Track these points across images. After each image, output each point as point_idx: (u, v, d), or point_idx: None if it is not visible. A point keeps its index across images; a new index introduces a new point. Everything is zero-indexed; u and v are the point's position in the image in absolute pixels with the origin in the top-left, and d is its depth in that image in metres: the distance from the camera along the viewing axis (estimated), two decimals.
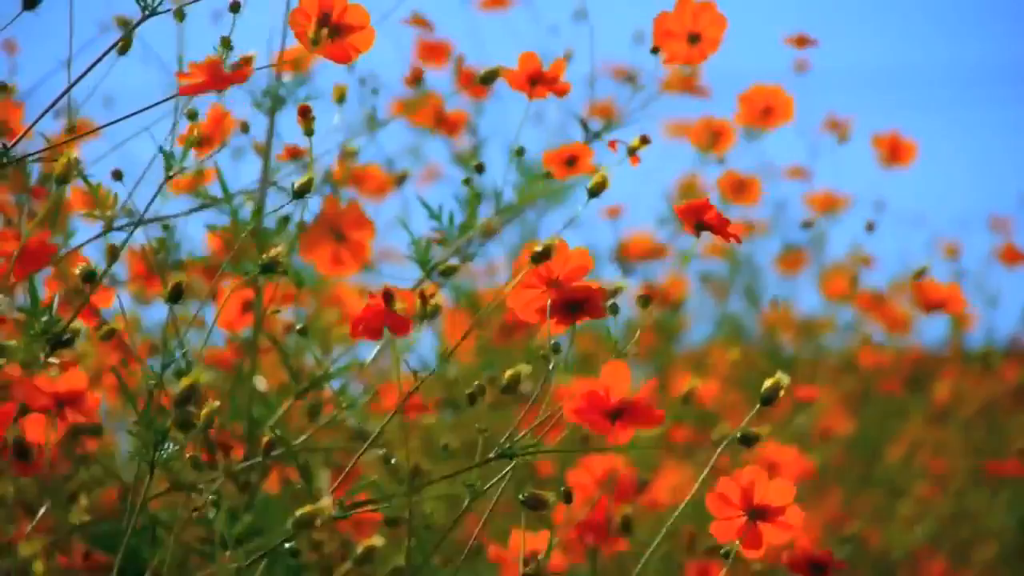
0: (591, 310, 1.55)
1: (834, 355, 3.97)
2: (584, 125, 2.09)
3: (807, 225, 3.43)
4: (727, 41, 2.14)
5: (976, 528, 3.49)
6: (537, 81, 1.83)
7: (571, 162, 1.87)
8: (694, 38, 1.85)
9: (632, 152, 1.88)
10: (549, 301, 1.55)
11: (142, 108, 1.66)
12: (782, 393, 1.52)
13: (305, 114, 1.75)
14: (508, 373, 1.61)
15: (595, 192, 1.62)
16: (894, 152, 3.35)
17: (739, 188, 3.15)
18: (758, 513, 1.50)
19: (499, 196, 2.05)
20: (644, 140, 1.88)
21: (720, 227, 1.56)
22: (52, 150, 1.69)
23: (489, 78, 1.96)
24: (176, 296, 1.62)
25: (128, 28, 1.64)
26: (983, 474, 3.62)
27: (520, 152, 1.99)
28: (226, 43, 1.62)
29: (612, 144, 1.86)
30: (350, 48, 1.60)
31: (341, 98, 2.11)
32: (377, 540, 1.57)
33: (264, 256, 1.62)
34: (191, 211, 2.06)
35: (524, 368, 1.60)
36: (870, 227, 3.03)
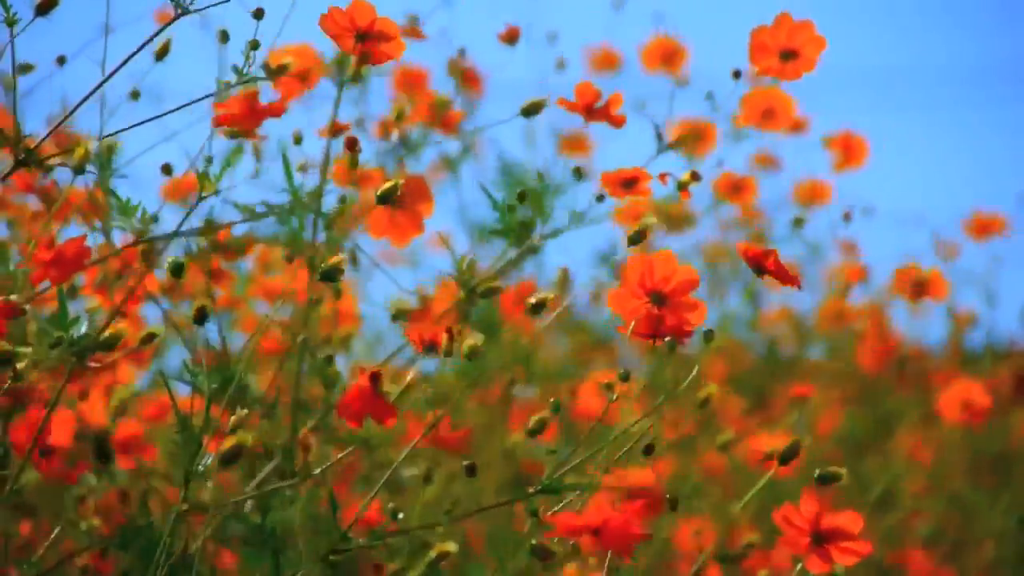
0: (676, 338, 1.56)
1: (832, 355, 3.98)
2: (659, 136, 2.08)
3: (798, 223, 3.41)
4: (733, 42, 2.14)
5: (975, 528, 3.50)
6: (593, 112, 1.83)
7: (629, 184, 1.86)
8: (789, 55, 1.84)
9: (683, 187, 1.88)
10: (632, 325, 1.57)
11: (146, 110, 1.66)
12: (799, 451, 1.60)
13: (352, 146, 1.76)
14: (534, 420, 1.64)
15: (635, 240, 1.61)
16: (848, 153, 3.35)
17: (735, 188, 3.15)
18: (823, 537, 1.55)
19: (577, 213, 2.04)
20: (695, 176, 1.89)
21: (780, 273, 1.59)
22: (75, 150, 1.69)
23: (532, 111, 1.96)
24: (202, 319, 1.62)
25: (162, 27, 1.64)
26: (982, 474, 3.63)
27: (578, 172, 1.99)
28: (254, 45, 1.62)
29: (663, 176, 1.85)
30: (381, 54, 1.64)
31: (400, 116, 2.11)
32: (451, 545, 1.58)
33: (324, 263, 1.61)
34: (238, 222, 2.06)
35: (547, 416, 1.62)
36: (847, 217, 3.04)
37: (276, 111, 1.60)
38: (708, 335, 1.58)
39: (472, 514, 1.68)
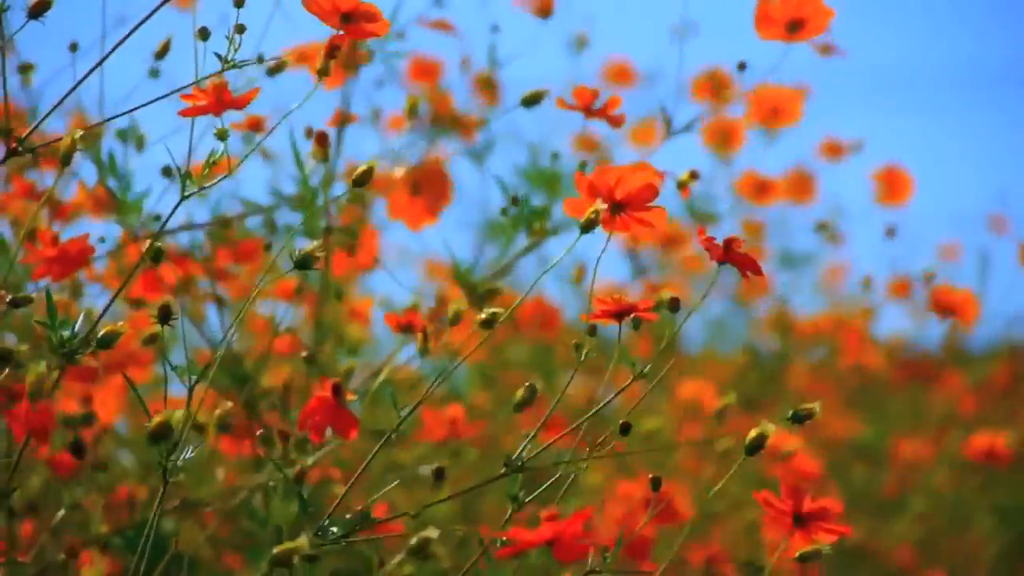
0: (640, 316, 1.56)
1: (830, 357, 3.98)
2: (666, 120, 2.09)
3: (822, 228, 3.39)
4: (733, 43, 2.16)
5: (970, 530, 3.51)
6: (592, 112, 1.84)
7: None
8: (796, 25, 1.85)
9: (682, 186, 1.89)
10: (597, 308, 1.55)
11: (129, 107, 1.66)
12: (767, 443, 1.57)
13: (321, 141, 1.75)
14: (519, 392, 1.61)
15: (587, 228, 1.57)
16: (891, 186, 3.35)
17: (760, 189, 3.15)
18: (805, 519, 1.56)
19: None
20: (693, 175, 1.89)
21: (743, 262, 1.57)
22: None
23: (533, 100, 1.98)
24: (166, 317, 1.58)
25: (145, 16, 1.63)
26: (978, 476, 3.64)
27: (583, 166, 2.01)
28: (240, 29, 1.62)
29: (661, 175, 1.86)
30: (366, 32, 1.63)
31: (413, 111, 2.11)
32: (432, 531, 1.56)
33: (298, 252, 1.59)
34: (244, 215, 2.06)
35: (536, 384, 1.61)
36: (891, 232, 3.02)
37: (242, 103, 1.58)
38: (673, 303, 1.57)
39: (446, 500, 1.65)
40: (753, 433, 1.57)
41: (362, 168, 1.62)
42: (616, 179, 1.55)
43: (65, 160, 1.62)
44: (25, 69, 1.98)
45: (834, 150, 3.45)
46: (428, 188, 2.01)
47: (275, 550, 1.47)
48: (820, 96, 3.26)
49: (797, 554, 1.55)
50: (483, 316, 1.57)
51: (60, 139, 1.62)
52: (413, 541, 1.55)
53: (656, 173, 1.56)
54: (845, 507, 1.57)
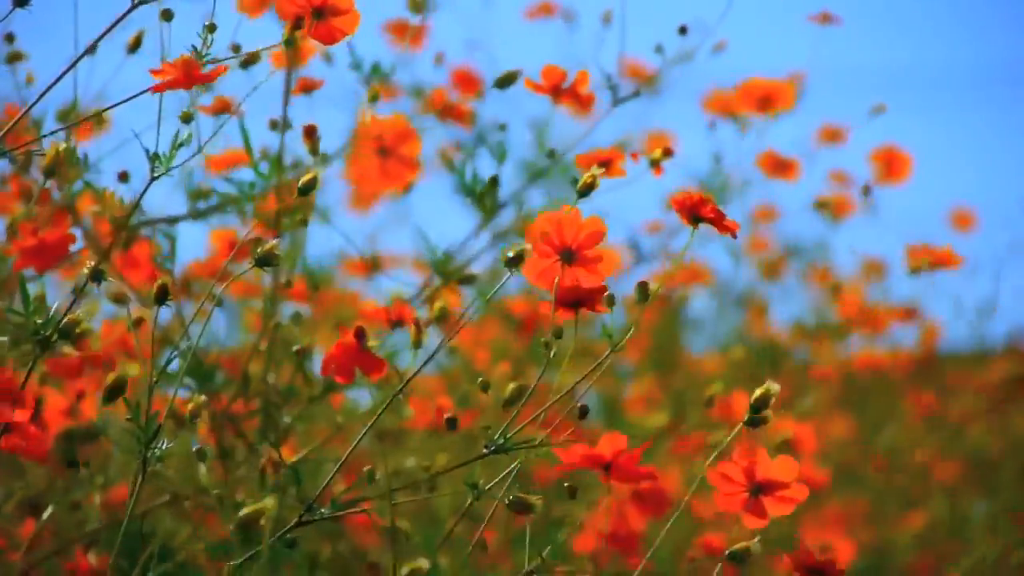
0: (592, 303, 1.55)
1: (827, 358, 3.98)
2: (613, 90, 2.10)
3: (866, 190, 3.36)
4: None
5: (968, 529, 3.51)
6: (560, 92, 1.84)
7: (604, 165, 1.86)
8: None
9: (655, 164, 1.89)
10: (553, 299, 1.54)
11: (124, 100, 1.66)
12: (772, 402, 1.52)
13: (311, 134, 1.75)
14: (510, 387, 1.61)
15: (584, 192, 1.56)
16: (890, 166, 3.35)
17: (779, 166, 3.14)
18: (761, 488, 1.50)
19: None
20: (667, 152, 1.89)
21: (717, 221, 1.54)
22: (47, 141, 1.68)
23: (506, 81, 1.98)
24: (162, 298, 1.58)
25: (117, 19, 1.63)
26: (975, 476, 3.64)
27: (552, 154, 2.01)
28: (211, 28, 1.61)
29: (634, 155, 1.86)
30: (336, 31, 1.61)
31: (375, 98, 2.11)
32: (423, 562, 1.56)
33: (259, 249, 1.58)
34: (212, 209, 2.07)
35: (525, 383, 1.60)
36: (866, 191, 3.02)
37: (211, 77, 1.58)
38: (642, 289, 1.53)
39: (424, 482, 1.65)
40: (758, 392, 1.51)
41: (307, 177, 1.61)
42: (562, 226, 1.53)
43: (48, 173, 1.62)
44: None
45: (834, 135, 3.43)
46: (396, 147, 1.98)
47: (241, 512, 1.47)
48: (819, 95, 3.26)
49: (727, 552, 1.50)
50: (511, 253, 1.54)
51: (32, 143, 1.63)
52: (404, 572, 1.55)
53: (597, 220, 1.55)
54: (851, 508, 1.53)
